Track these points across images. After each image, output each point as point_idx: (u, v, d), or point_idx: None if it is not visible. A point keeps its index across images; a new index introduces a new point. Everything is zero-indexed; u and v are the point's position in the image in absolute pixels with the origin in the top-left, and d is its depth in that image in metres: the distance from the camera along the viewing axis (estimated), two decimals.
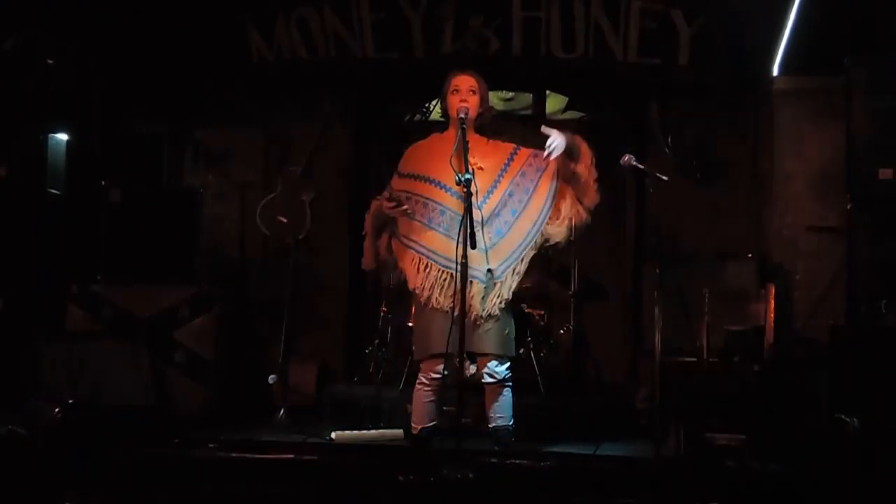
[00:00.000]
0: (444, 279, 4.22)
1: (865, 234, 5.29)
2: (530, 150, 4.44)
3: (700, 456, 4.84)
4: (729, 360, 5.20)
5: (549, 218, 4.37)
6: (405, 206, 4.28)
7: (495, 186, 4.35)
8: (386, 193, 4.34)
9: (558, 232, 4.39)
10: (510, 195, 4.36)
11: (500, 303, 4.30)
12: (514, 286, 4.34)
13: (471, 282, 4.16)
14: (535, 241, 4.39)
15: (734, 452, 4.80)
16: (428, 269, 4.27)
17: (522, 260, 4.36)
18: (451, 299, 4.12)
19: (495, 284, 4.29)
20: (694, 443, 4.90)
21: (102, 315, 5.83)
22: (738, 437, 4.85)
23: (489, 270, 4.28)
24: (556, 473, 3.99)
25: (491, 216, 4.30)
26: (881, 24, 5.69)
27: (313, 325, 6.76)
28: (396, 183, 4.45)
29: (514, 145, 4.48)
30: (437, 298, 4.24)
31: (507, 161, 4.41)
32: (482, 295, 4.25)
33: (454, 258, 4.02)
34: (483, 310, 4.26)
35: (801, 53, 6.11)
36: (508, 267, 4.33)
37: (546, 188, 4.38)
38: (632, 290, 6.60)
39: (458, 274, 3.97)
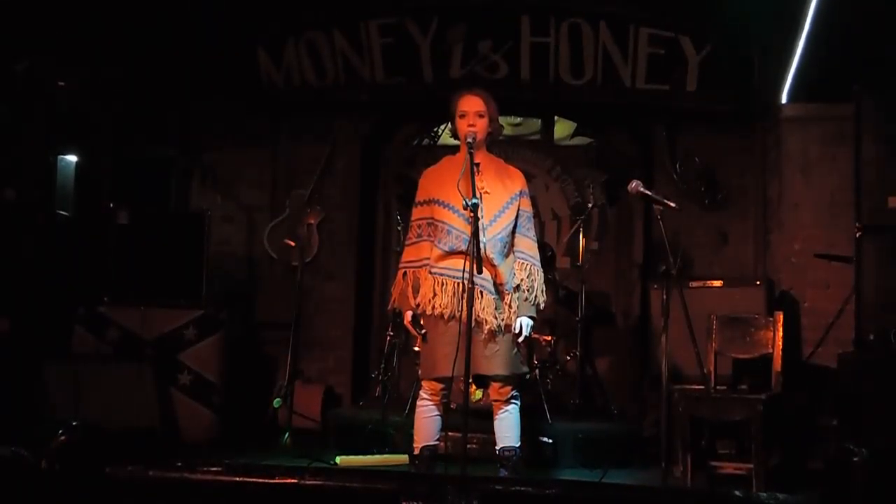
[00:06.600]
0: (462, 290, 4.19)
1: (874, 261, 5.25)
2: (528, 202, 4.47)
3: (707, 484, 4.80)
4: (736, 388, 5.17)
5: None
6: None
7: (501, 213, 4.34)
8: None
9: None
10: (508, 225, 4.37)
11: (512, 314, 4.30)
12: (528, 296, 4.35)
13: (481, 293, 4.17)
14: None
15: (741, 481, 4.78)
16: (444, 286, 4.27)
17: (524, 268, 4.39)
18: (470, 310, 4.06)
19: (504, 294, 4.30)
20: (701, 471, 4.88)
21: (109, 337, 5.83)
22: (746, 466, 4.83)
23: (495, 284, 4.28)
24: (562, 501, 3.94)
25: (493, 239, 4.29)
26: (890, 51, 5.68)
27: (319, 348, 6.77)
28: (416, 213, 4.47)
29: (522, 188, 4.45)
30: (456, 310, 4.22)
31: (513, 197, 4.39)
32: (494, 306, 4.25)
33: (462, 268, 4.05)
34: (499, 320, 4.25)
35: (809, 80, 6.10)
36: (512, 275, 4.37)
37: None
38: (639, 316, 6.58)
39: (467, 291, 3.99)
